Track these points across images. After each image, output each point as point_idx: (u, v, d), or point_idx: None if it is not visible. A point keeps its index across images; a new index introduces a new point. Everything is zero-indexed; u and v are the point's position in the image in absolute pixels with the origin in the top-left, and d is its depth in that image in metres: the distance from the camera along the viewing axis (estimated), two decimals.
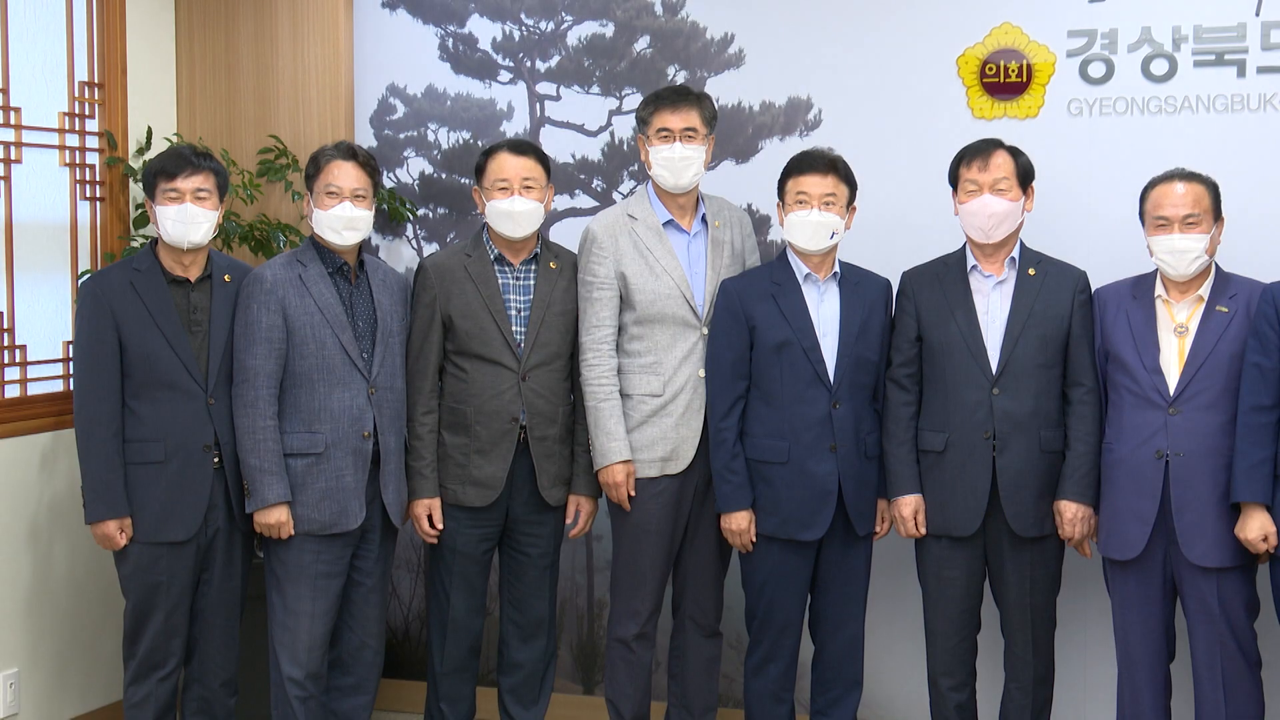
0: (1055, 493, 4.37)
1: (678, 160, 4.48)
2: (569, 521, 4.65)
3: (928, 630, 4.52)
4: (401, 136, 5.51)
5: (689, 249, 4.56)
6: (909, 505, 4.43)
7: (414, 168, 5.50)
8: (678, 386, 4.47)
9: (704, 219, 4.60)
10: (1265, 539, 4.08)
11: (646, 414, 4.48)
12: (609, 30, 5.30)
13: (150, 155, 5.18)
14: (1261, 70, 4.67)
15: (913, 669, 4.69)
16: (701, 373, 4.49)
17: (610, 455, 4.47)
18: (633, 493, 4.47)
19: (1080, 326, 4.37)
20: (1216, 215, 4.26)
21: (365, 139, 5.50)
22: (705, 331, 4.50)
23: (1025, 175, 4.43)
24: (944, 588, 4.45)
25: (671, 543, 4.54)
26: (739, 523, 4.41)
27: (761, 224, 5.04)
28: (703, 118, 4.53)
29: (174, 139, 5.37)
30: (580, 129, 5.34)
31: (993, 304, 4.40)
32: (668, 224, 4.56)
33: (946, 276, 4.45)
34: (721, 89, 5.13)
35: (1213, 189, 4.26)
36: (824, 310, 4.45)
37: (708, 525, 4.56)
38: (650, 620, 4.57)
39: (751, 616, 4.55)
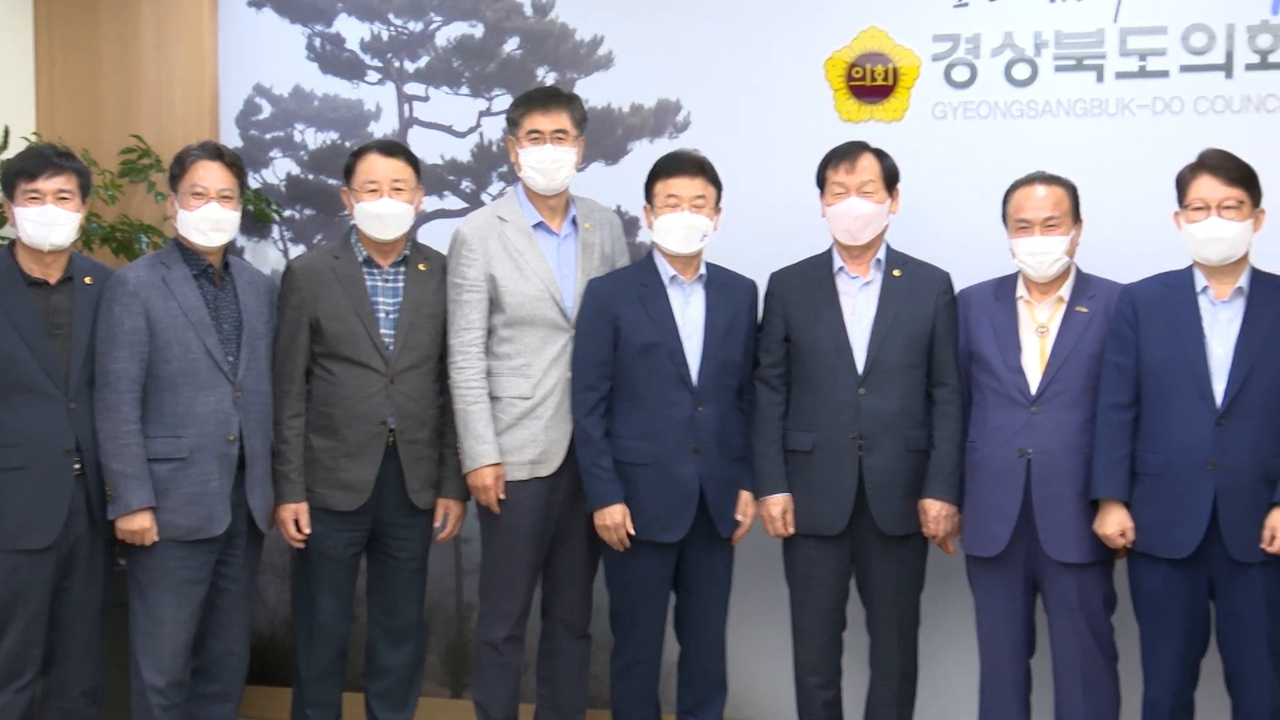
0: (917, 491, 4.42)
1: (548, 162, 4.47)
2: (437, 525, 4.63)
3: (795, 629, 4.56)
4: (268, 137, 5.45)
5: (559, 251, 4.55)
6: (777, 505, 4.45)
7: (280, 168, 5.44)
8: (547, 389, 4.46)
9: (574, 221, 4.59)
10: (1123, 534, 4.17)
11: (516, 416, 4.47)
12: (478, 31, 5.28)
13: (8, 155, 5.05)
14: (1120, 76, 4.77)
15: (779, 667, 4.72)
16: (570, 374, 4.48)
17: (479, 458, 4.45)
18: (502, 496, 4.45)
19: (944, 327, 4.43)
20: (1076, 217, 4.35)
21: (231, 139, 5.43)
22: (575, 334, 4.50)
23: (891, 178, 4.48)
24: (811, 587, 4.49)
25: (541, 545, 4.53)
26: (612, 518, 4.41)
27: (631, 226, 5.04)
28: (573, 119, 4.52)
29: (33, 138, 5.25)
30: (449, 130, 5.32)
31: (859, 305, 4.44)
32: (537, 226, 4.54)
33: (814, 278, 4.49)
34: (591, 90, 5.13)
35: (1072, 192, 4.35)
36: (689, 312, 4.46)
37: (578, 527, 4.55)
38: (520, 622, 4.56)
39: (616, 618, 4.56)
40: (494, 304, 4.50)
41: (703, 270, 4.49)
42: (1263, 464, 4.07)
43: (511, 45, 5.25)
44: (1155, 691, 4.26)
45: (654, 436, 4.40)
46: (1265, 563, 4.08)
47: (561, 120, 4.49)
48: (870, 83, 4.95)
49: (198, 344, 4.29)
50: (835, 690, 4.57)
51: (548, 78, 5.19)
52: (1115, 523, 4.17)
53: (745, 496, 4.51)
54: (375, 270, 4.52)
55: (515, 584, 4.52)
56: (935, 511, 4.38)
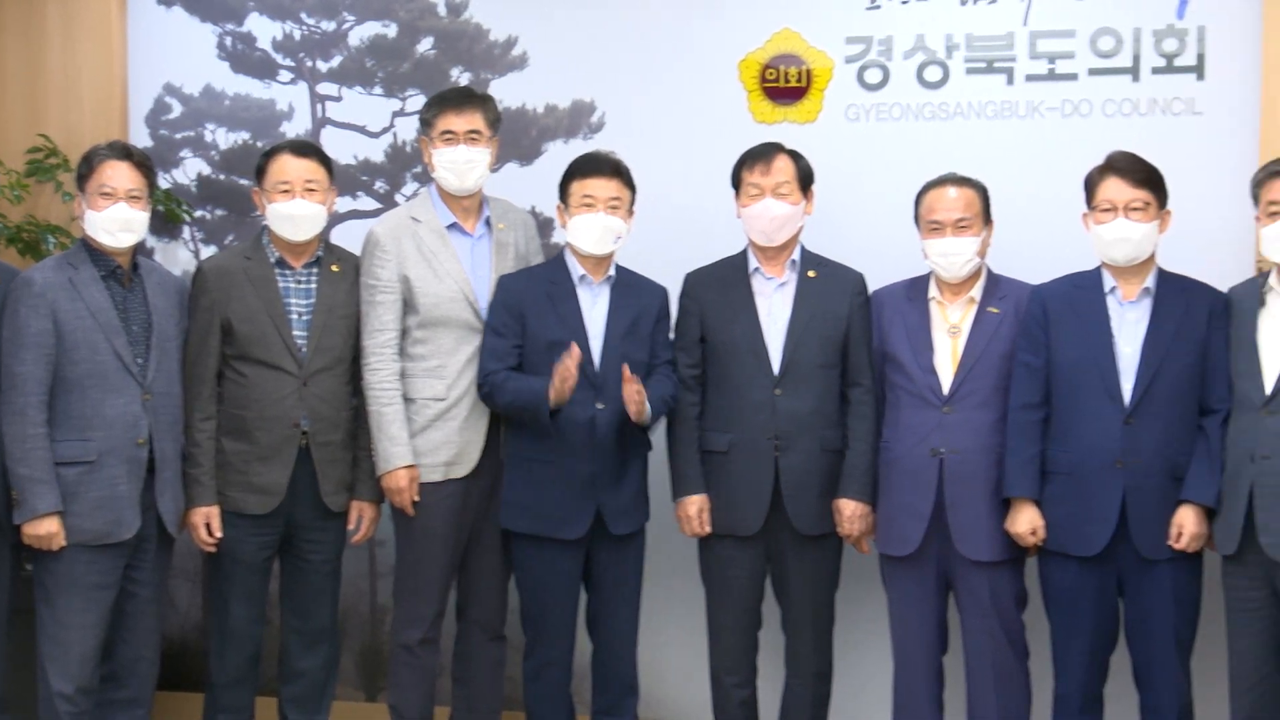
0: (832, 490, 4.44)
1: (462, 163, 4.45)
2: (351, 528, 4.59)
3: (710, 629, 4.57)
4: (178, 136, 5.38)
5: (473, 252, 4.54)
6: (694, 505, 4.46)
7: (191, 168, 5.38)
8: (462, 390, 4.44)
9: (488, 221, 4.58)
10: (1034, 533, 4.22)
11: (430, 418, 4.44)
12: (392, 31, 5.25)
13: None
14: (1029, 78, 4.83)
15: (695, 667, 4.73)
16: None
17: (393, 460, 4.42)
18: (416, 498, 4.43)
19: (858, 327, 4.46)
20: (987, 219, 4.39)
21: (140, 139, 5.36)
22: None
23: (806, 179, 4.51)
24: (728, 586, 4.50)
25: (456, 547, 4.51)
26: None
27: (545, 226, 5.03)
28: (487, 120, 4.51)
29: None
30: (363, 130, 5.28)
31: (775, 306, 4.46)
32: (451, 227, 4.52)
33: (729, 279, 4.50)
34: (505, 91, 5.11)
35: (983, 193, 4.40)
36: (595, 313, 4.46)
37: (492, 528, 4.53)
38: (434, 625, 4.53)
39: (526, 619, 4.55)
40: (408, 305, 4.47)
41: (611, 272, 4.49)
42: (1170, 462, 4.14)
43: (425, 45, 5.22)
44: (1065, 687, 4.32)
45: (556, 434, 4.39)
46: (1172, 560, 4.14)
47: (475, 121, 4.48)
48: (784, 84, 4.98)
49: (106, 346, 4.23)
50: (751, 689, 4.59)
51: (462, 78, 5.17)
52: (1026, 521, 4.21)
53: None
54: (288, 271, 4.48)
55: (430, 586, 4.50)
56: (850, 511, 4.41)
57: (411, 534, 4.50)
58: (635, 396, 4.27)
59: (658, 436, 4.55)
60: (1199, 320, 4.17)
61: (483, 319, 4.47)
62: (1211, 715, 4.39)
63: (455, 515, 4.47)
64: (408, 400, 4.46)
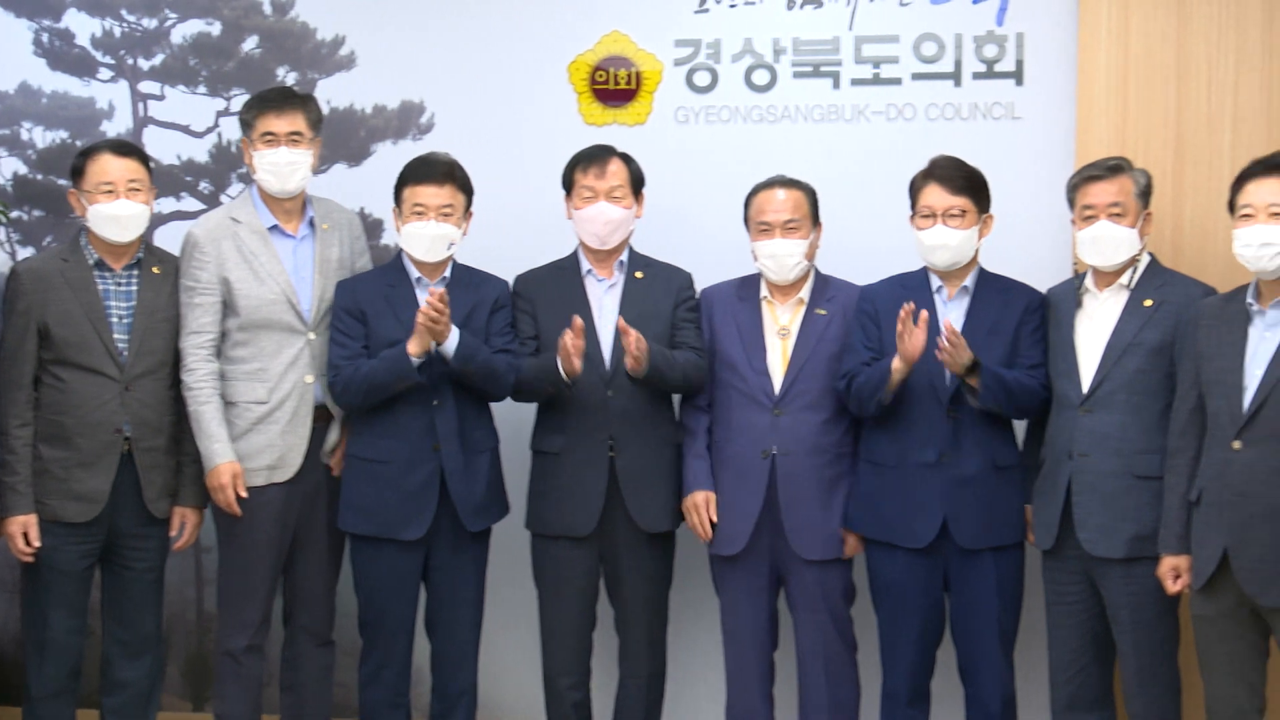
0: (674, 487, 4.48)
1: (283, 165, 4.38)
2: (174, 534, 4.50)
3: (544, 630, 4.56)
4: None
5: (295, 254, 4.47)
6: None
7: (7, 168, 5.23)
8: (284, 393, 4.37)
9: (311, 223, 4.51)
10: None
11: (252, 421, 4.37)
12: (215, 29, 5.16)
13: None
14: (855, 82, 4.90)
15: (528, 668, 4.72)
16: (309, 378, 4.40)
17: (214, 457, 4.34)
18: (242, 494, 4.35)
19: (685, 324, 4.50)
20: (815, 221, 4.45)
21: None
22: (312, 337, 4.42)
23: (638, 183, 4.54)
24: (561, 587, 4.50)
25: (280, 552, 4.44)
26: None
27: (375, 228, 5.00)
28: (309, 121, 4.44)
29: None
30: (186, 130, 5.18)
31: (605, 307, 4.47)
32: (273, 228, 4.45)
33: (561, 280, 4.50)
34: (333, 91, 5.07)
35: (812, 196, 4.46)
36: None
37: (319, 533, 4.47)
38: (260, 631, 4.46)
39: (363, 622, 4.49)
40: (228, 307, 4.39)
41: (447, 273, 4.46)
42: (988, 454, 4.24)
43: (250, 44, 5.14)
44: (893, 681, 4.39)
45: (396, 434, 4.35)
46: (995, 552, 4.24)
47: (297, 122, 4.41)
48: (613, 86, 4.99)
49: None
50: (584, 691, 4.59)
51: (288, 77, 5.09)
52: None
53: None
54: (107, 274, 4.38)
55: (254, 592, 4.43)
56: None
57: (234, 539, 4.42)
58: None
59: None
60: (1013, 318, 4.28)
61: (305, 322, 4.40)
62: (1034, 706, 4.49)
63: (278, 520, 4.40)
64: (230, 404, 4.38)
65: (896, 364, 4.16)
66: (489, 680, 4.78)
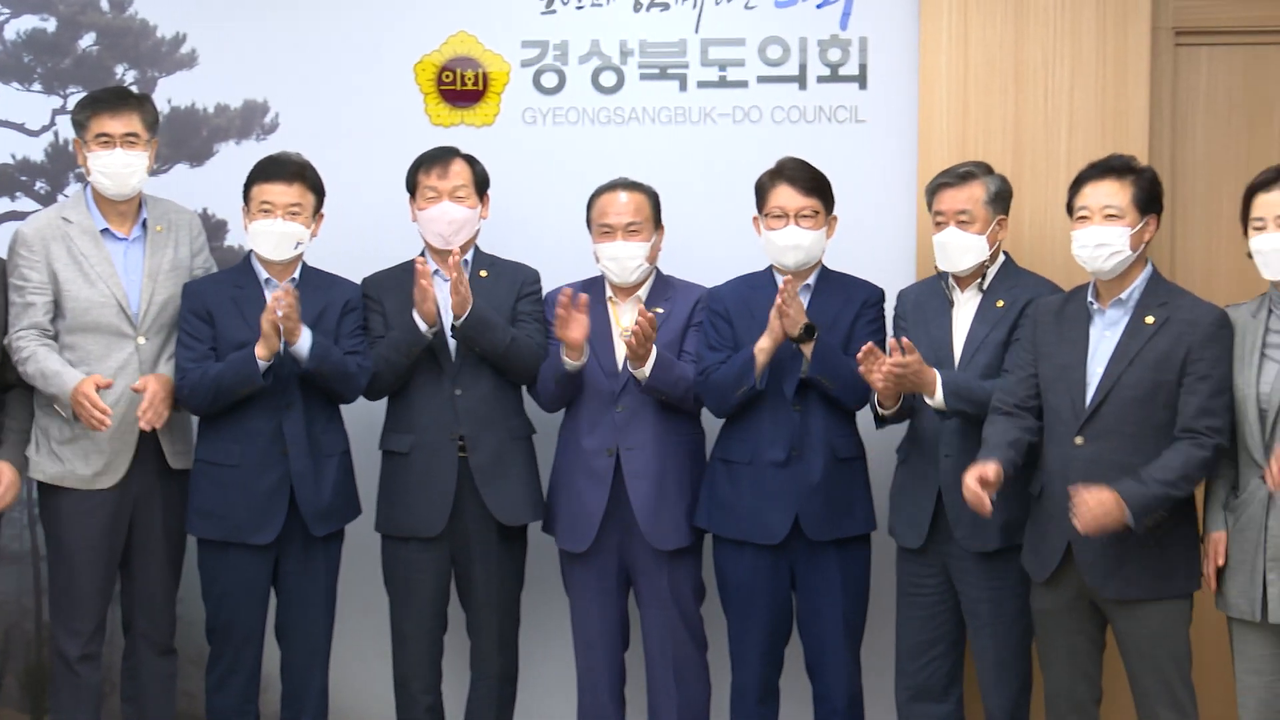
0: (530, 480, 4.50)
1: (119, 167, 4.30)
2: None
3: (395, 634, 4.54)
4: None
5: (125, 255, 4.37)
6: None
7: None
8: (112, 398, 4.27)
9: (144, 225, 4.43)
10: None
11: (79, 426, 4.28)
12: (51, 25, 5.02)
13: None
14: (701, 85, 4.92)
15: (380, 672, 4.69)
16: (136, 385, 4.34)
17: (67, 384, 4.17)
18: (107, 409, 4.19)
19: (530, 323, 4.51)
20: (657, 223, 4.48)
21: None
22: (141, 341, 4.34)
23: (482, 184, 4.53)
24: (412, 590, 4.48)
25: (111, 558, 4.36)
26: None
27: (219, 229, 4.93)
28: (145, 122, 4.36)
29: None
30: (21, 128, 5.05)
31: (450, 306, 4.45)
32: (105, 230, 4.37)
33: (406, 281, 4.46)
34: (174, 90, 4.98)
35: (653, 198, 4.49)
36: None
37: (155, 538, 4.40)
38: (94, 639, 4.37)
39: (211, 629, 4.43)
40: (57, 309, 4.30)
41: (296, 274, 4.42)
42: (832, 449, 4.30)
43: (88, 41, 5.02)
44: (742, 678, 4.43)
45: (243, 438, 4.30)
46: (841, 548, 4.30)
47: (132, 123, 4.33)
48: (460, 87, 4.96)
49: None
50: (436, 695, 4.57)
51: (127, 76, 4.99)
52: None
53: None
54: None
55: (86, 600, 4.34)
56: None
57: (61, 546, 4.34)
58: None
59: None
60: (850, 313, 4.35)
61: (135, 325, 4.33)
62: (881, 697, 4.56)
63: (107, 525, 4.32)
64: (58, 409, 4.29)
65: (765, 343, 4.21)
66: (339, 685, 4.74)
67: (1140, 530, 3.73)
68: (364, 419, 4.63)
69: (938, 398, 4.06)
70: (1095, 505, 3.70)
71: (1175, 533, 3.85)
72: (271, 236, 4.32)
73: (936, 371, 4.07)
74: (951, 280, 4.27)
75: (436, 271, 4.43)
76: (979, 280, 4.24)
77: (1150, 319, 3.87)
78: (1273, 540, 3.70)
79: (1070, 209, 4.03)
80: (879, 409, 4.23)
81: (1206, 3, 4.73)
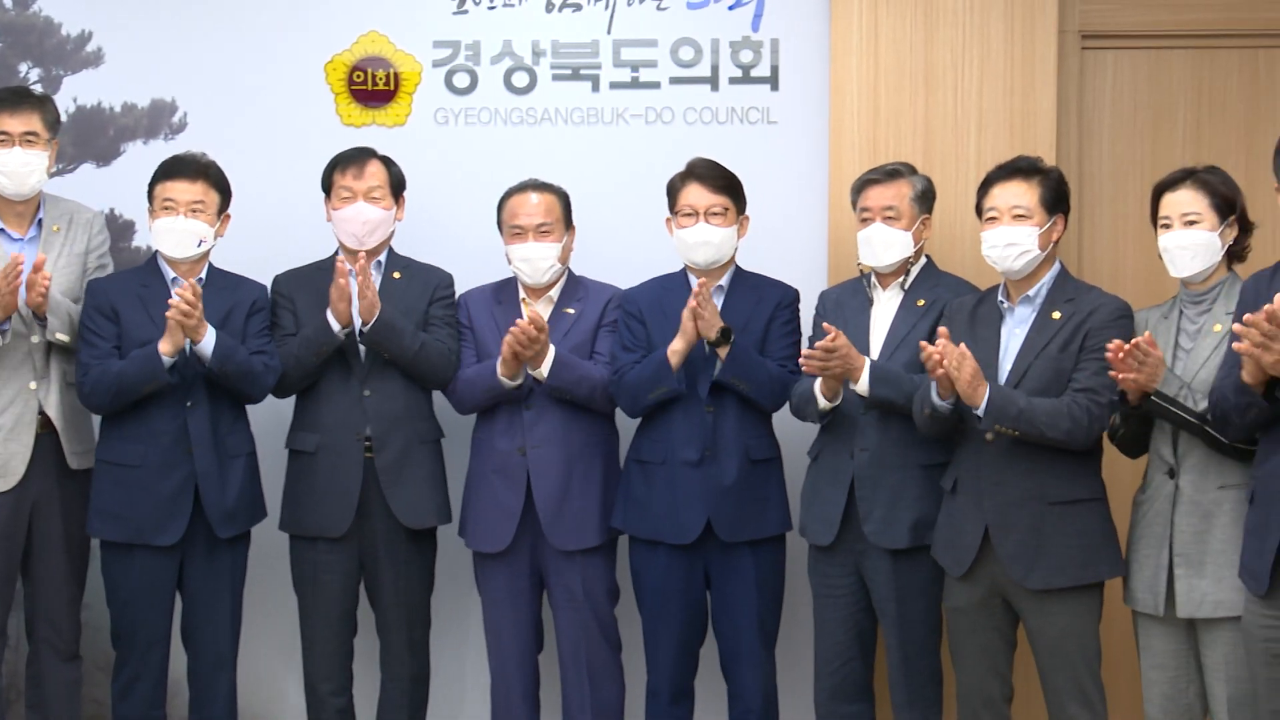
0: (437, 482, 4.48)
1: (17, 166, 4.25)
2: None
3: (304, 636, 4.51)
4: None
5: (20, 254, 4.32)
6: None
7: None
8: (7, 400, 4.23)
9: (40, 224, 4.37)
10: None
11: None
12: None
13: None
14: (614, 85, 4.92)
15: (289, 675, 4.66)
16: (33, 384, 4.27)
17: None
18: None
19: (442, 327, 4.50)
20: (568, 224, 4.49)
21: None
22: (35, 340, 4.28)
23: (398, 185, 4.52)
24: (321, 592, 4.45)
25: (10, 562, 4.30)
26: None
27: (126, 229, 4.88)
28: (45, 121, 4.32)
29: None
30: None
31: (359, 311, 4.42)
32: (0, 230, 4.32)
33: (322, 280, 4.43)
34: (80, 88, 4.93)
35: (564, 199, 4.49)
36: None
37: (55, 543, 4.34)
38: None
39: (116, 634, 4.38)
40: None
41: (203, 274, 4.38)
42: (746, 450, 4.31)
43: None
44: (656, 679, 4.43)
45: (146, 438, 4.26)
46: (755, 547, 4.32)
47: (32, 122, 4.28)
48: (372, 87, 4.94)
49: None
50: (347, 696, 4.55)
51: (31, 74, 4.93)
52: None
53: None
54: None
55: None
56: None
57: None
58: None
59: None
60: (765, 314, 4.37)
61: (28, 325, 4.27)
62: (797, 698, 4.58)
63: (5, 529, 4.26)
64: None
65: (678, 345, 4.21)
66: (248, 689, 4.70)
67: (986, 428, 3.82)
68: (271, 420, 4.59)
69: (863, 383, 4.08)
70: (965, 358, 3.77)
71: (1094, 521, 3.91)
72: (173, 234, 4.28)
73: (865, 358, 4.11)
74: (874, 279, 4.30)
75: (353, 271, 4.40)
76: (901, 279, 4.27)
77: (1057, 314, 3.92)
78: (1178, 535, 3.76)
79: (979, 210, 4.07)
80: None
81: (1111, 7, 4.80)
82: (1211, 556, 3.71)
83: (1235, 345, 3.36)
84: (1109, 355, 3.66)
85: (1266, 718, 3.58)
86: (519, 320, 4.23)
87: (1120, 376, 3.67)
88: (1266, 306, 3.28)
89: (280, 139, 4.92)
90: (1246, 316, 3.32)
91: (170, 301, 4.12)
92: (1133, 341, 3.64)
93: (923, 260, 4.31)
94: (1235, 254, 3.88)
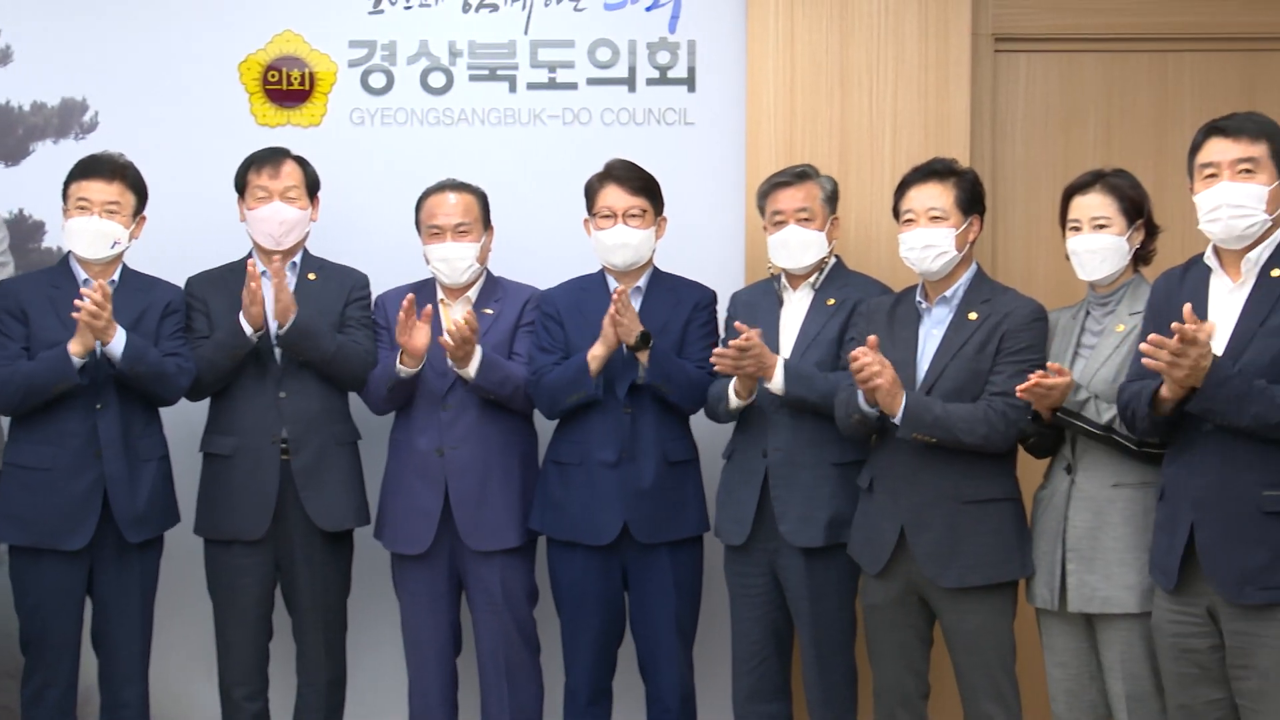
0: (353, 485, 4.46)
1: None
2: None
3: (219, 640, 4.48)
4: None
5: None
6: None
7: None
8: None
9: None
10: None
11: None
12: None
13: None
14: (531, 86, 4.92)
15: (204, 680, 4.62)
16: None
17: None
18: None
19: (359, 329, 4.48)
20: (487, 224, 4.48)
21: None
22: None
23: (313, 185, 4.49)
24: (236, 596, 4.42)
25: None
26: None
27: (35, 230, 4.83)
28: None
29: None
30: None
31: (274, 314, 4.39)
32: None
33: (235, 281, 4.39)
34: None
35: (482, 199, 4.48)
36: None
37: None
38: None
39: (25, 641, 4.31)
40: None
41: (116, 275, 4.33)
42: (663, 451, 4.32)
43: None
44: (574, 680, 4.43)
45: (54, 440, 4.21)
46: (673, 547, 4.33)
47: None
48: (287, 87, 4.90)
49: None
50: (263, 701, 4.52)
51: None
52: None
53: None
54: None
55: None
56: None
57: None
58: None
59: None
60: (682, 316, 4.38)
61: None
62: (715, 698, 4.59)
63: None
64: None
65: (598, 351, 4.21)
66: (163, 694, 4.66)
67: (904, 435, 3.84)
68: (187, 423, 4.54)
69: (777, 381, 4.10)
70: (885, 367, 3.80)
71: (1008, 520, 3.94)
72: (86, 234, 4.24)
73: (778, 357, 4.12)
74: (784, 280, 4.32)
75: (265, 272, 4.37)
76: (812, 279, 4.29)
77: (974, 315, 3.96)
78: (1071, 531, 3.80)
79: (896, 212, 4.10)
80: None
81: (1024, 11, 4.86)
82: (1102, 554, 3.77)
83: (1145, 362, 3.41)
84: (1018, 391, 3.71)
85: (1174, 712, 3.63)
86: (455, 319, 4.22)
87: (1019, 390, 3.72)
88: (1174, 325, 3.33)
89: (194, 139, 4.87)
90: (1153, 336, 3.37)
91: (77, 302, 4.07)
92: (1033, 380, 3.68)
93: (832, 260, 4.34)
94: (1141, 257, 3.93)
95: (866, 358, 3.80)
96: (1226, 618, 3.49)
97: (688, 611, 4.40)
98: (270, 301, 4.31)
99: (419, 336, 4.26)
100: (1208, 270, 3.63)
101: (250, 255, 4.47)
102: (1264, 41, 4.85)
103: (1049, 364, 3.74)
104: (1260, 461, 3.43)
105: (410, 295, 4.26)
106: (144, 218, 4.37)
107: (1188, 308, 3.35)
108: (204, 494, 4.45)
